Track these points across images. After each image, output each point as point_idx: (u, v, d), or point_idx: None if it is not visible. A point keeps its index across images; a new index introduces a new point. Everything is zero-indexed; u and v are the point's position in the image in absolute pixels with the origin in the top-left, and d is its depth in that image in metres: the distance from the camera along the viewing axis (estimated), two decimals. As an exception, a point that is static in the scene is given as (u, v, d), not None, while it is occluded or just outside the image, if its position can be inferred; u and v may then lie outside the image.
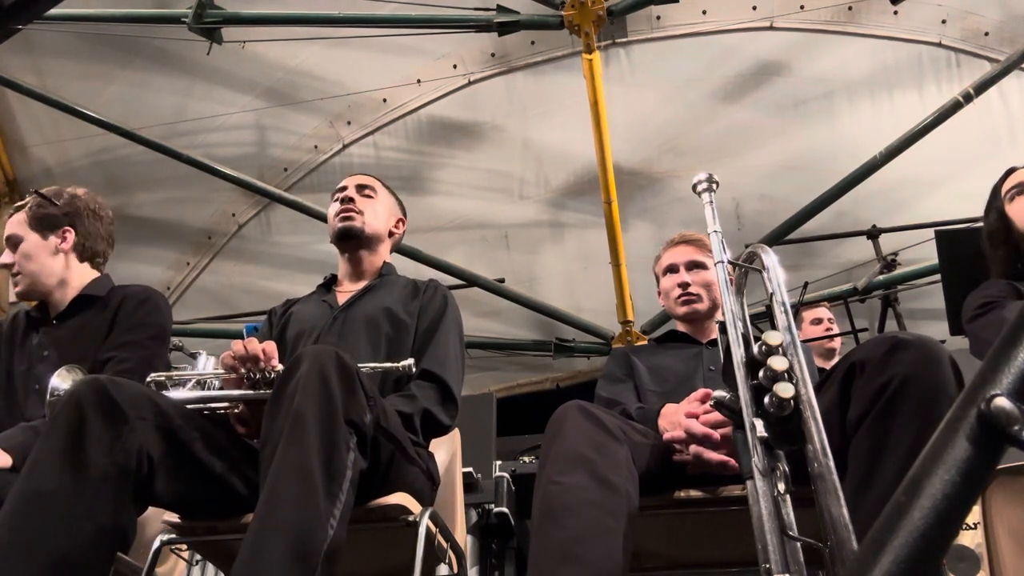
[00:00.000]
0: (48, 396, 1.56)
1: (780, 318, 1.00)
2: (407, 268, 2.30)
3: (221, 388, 1.63)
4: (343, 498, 1.28)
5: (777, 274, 1.07)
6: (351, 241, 2.06)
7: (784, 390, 0.91)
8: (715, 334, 1.98)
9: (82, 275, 2.13)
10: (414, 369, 1.66)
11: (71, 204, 2.16)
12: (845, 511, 0.82)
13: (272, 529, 1.19)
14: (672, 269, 2.05)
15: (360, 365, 1.63)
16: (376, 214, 2.09)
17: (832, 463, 0.86)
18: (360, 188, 2.11)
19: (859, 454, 1.24)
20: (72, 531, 1.26)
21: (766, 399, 0.92)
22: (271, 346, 1.56)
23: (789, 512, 0.91)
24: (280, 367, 1.55)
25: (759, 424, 0.93)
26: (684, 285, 2.00)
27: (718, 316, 2.03)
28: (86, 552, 1.27)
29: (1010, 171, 1.96)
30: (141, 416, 1.40)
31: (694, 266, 2.03)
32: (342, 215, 2.05)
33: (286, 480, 1.23)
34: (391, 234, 2.15)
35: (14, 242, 2.10)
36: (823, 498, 0.84)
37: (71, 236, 2.13)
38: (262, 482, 1.27)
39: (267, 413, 1.37)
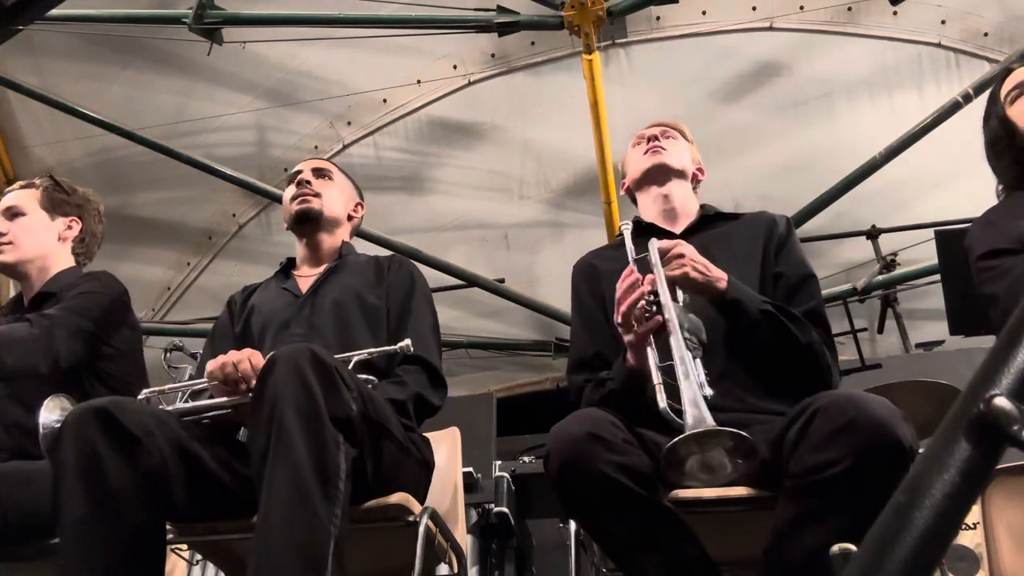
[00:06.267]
0: (40, 430, 1.48)
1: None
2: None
3: (211, 396, 1.61)
4: (342, 490, 1.27)
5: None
6: (309, 224, 2.01)
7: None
8: (687, 220, 1.86)
9: (62, 267, 2.10)
10: (411, 350, 1.62)
11: (84, 199, 2.19)
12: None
13: (277, 549, 1.18)
14: (642, 138, 1.98)
15: (357, 352, 1.62)
16: (333, 197, 2.06)
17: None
18: (317, 172, 2.08)
19: (784, 517, 1.29)
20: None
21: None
22: (257, 357, 1.54)
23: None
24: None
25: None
26: (652, 138, 1.93)
27: (686, 188, 1.92)
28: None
29: (1007, 72, 1.77)
30: (149, 432, 1.39)
31: (666, 135, 1.97)
32: (299, 198, 2.01)
33: (282, 496, 1.22)
34: (350, 218, 2.11)
35: (14, 213, 2.08)
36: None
37: (76, 227, 2.15)
38: (258, 491, 1.26)
39: (250, 420, 1.35)
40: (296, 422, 1.26)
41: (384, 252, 2.16)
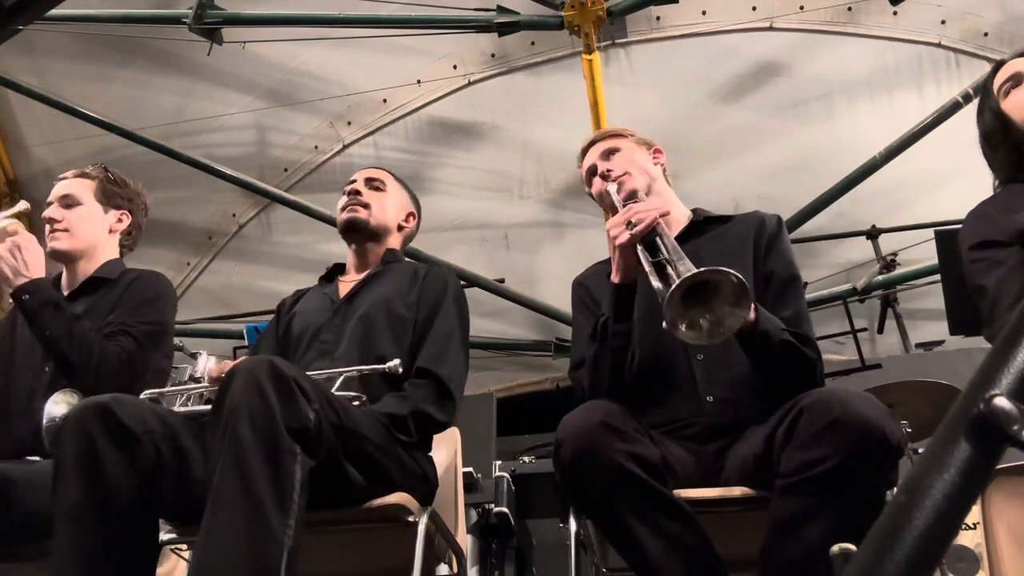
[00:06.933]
0: (44, 422, 1.51)
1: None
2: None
3: (208, 400, 1.62)
4: (296, 501, 1.27)
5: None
6: (356, 233, 2.03)
7: None
8: (677, 225, 1.83)
9: (109, 257, 2.14)
10: (400, 370, 1.62)
11: (135, 193, 2.22)
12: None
13: (227, 560, 1.17)
14: (593, 172, 1.92)
15: (346, 369, 1.63)
16: (383, 207, 2.07)
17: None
18: (369, 181, 2.09)
19: (777, 516, 1.30)
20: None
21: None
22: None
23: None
24: None
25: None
26: (606, 175, 1.86)
27: (662, 193, 1.89)
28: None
29: (999, 65, 1.75)
30: (149, 430, 1.40)
31: (609, 153, 1.91)
32: (348, 207, 2.03)
33: (234, 506, 1.21)
34: (400, 228, 2.12)
35: (69, 202, 2.10)
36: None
37: (127, 221, 2.18)
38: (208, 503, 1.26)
39: (208, 433, 1.35)
40: (251, 434, 1.26)
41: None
